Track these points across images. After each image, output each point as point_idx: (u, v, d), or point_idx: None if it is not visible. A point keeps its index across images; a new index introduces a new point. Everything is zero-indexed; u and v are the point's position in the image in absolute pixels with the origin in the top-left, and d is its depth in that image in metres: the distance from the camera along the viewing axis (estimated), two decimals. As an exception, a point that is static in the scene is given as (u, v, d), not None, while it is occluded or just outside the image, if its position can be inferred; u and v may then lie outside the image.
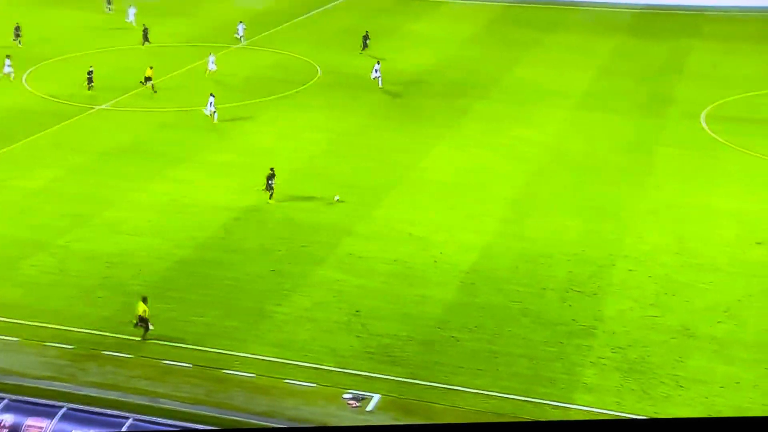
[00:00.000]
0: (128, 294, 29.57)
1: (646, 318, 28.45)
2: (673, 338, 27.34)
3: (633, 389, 24.96)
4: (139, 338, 26.95)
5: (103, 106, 47.90)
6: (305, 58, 56.68)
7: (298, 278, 30.75)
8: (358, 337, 27.43)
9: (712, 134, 44.14)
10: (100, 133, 44.27)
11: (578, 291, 30.03)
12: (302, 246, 32.94)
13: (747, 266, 31.42)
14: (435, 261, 31.89)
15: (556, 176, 39.50)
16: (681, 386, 25.04)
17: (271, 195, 36.29)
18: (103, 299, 29.38)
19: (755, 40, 61.11)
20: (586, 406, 24.25)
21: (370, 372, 25.77)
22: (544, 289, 30.20)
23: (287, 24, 65.20)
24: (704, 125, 45.47)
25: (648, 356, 26.46)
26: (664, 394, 24.74)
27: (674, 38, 62.06)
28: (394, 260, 31.91)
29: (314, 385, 25.21)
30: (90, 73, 49.77)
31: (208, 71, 51.70)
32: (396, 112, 47.64)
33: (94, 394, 24.59)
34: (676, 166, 40.60)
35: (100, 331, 27.65)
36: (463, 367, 25.90)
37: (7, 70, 51.31)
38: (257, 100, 48.42)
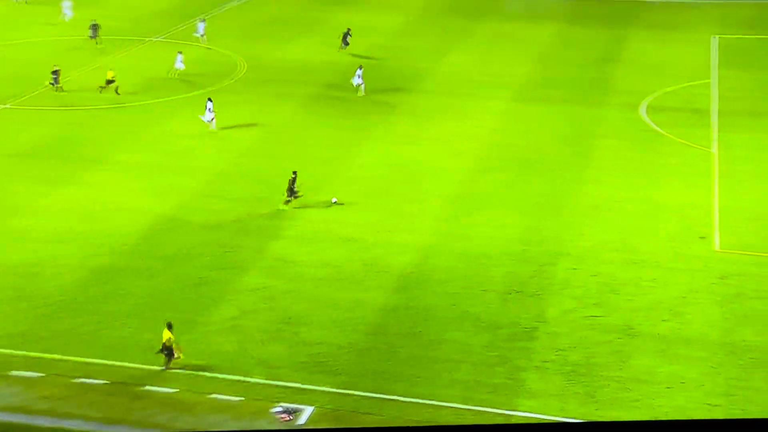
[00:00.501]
0: (37, 307, 28.63)
1: (589, 318, 28.71)
2: (617, 338, 27.62)
3: (577, 393, 25.13)
4: (161, 367, 25.81)
5: (6, 106, 46.43)
6: (228, 52, 55.92)
7: (224, 285, 30.23)
8: (290, 346, 27.06)
9: (653, 125, 44.90)
10: (3, 135, 42.88)
11: (519, 292, 30.15)
12: (228, 251, 32.40)
13: (690, 261, 31.96)
14: (369, 264, 31.68)
15: (494, 171, 39.69)
16: (626, 388, 25.30)
17: (296, 197, 35.17)
18: (10, 314, 28.38)
19: (693, 28, 62.44)
20: (530, 413, 24.32)
21: (302, 383, 25.45)
22: (484, 290, 30.25)
23: (208, 15, 64.23)
24: (644, 116, 46.23)
25: (592, 358, 26.68)
26: (609, 397, 24.96)
27: (612, 26, 62.99)
28: (326, 264, 31.62)
29: (242, 398, 24.76)
30: (55, 72, 47.75)
31: (174, 70, 50.47)
32: (326, 106, 47.28)
33: (1, 419, 23.69)
34: (617, 158, 41.14)
35: (6, 349, 26.69)
36: (400, 375, 25.75)
37: None
38: (177, 97, 47.53)
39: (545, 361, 26.56)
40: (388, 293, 29.97)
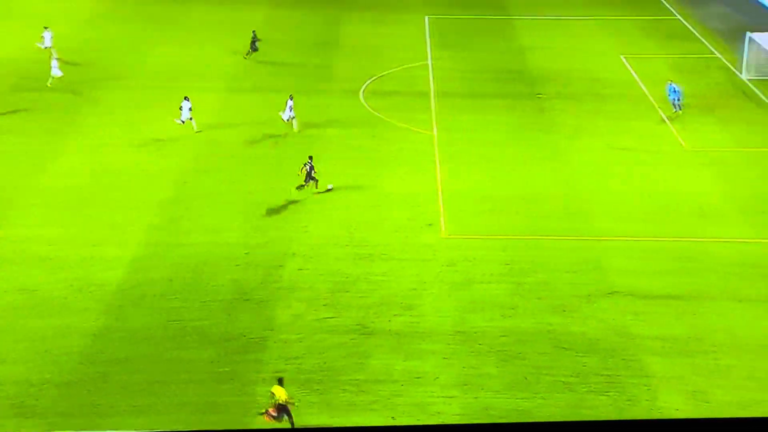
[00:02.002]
0: None
1: (320, 321, 29.14)
2: (351, 339, 28.24)
3: (313, 402, 25.41)
4: None
5: None
6: None
7: None
8: (-18, 389, 25.20)
9: (373, 111, 46.36)
10: None
11: (246, 300, 30.06)
12: None
13: (419, 251, 33.33)
14: (73, 284, 30.31)
15: (212, 171, 39.29)
16: (363, 390, 25.92)
17: (316, 185, 36.82)
18: None
19: (405, 8, 65.14)
20: (264, 429, 24.26)
21: None
22: (207, 301, 29.89)
23: None
24: (364, 102, 47.62)
25: (326, 363, 27.10)
26: (346, 402, 25.47)
27: (323, 8, 64.32)
28: (21, 288, 29.98)
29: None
30: None
31: (51, 77, 46.71)
32: (11, 108, 44.47)
33: None
34: (340, 148, 42.04)
35: None
36: (115, 407, 24.86)
37: None
38: None
39: (277, 372, 26.60)
40: (97, 315, 28.82)
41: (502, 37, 58.85)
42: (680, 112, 45.09)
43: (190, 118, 42.41)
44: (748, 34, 51.03)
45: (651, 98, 47.81)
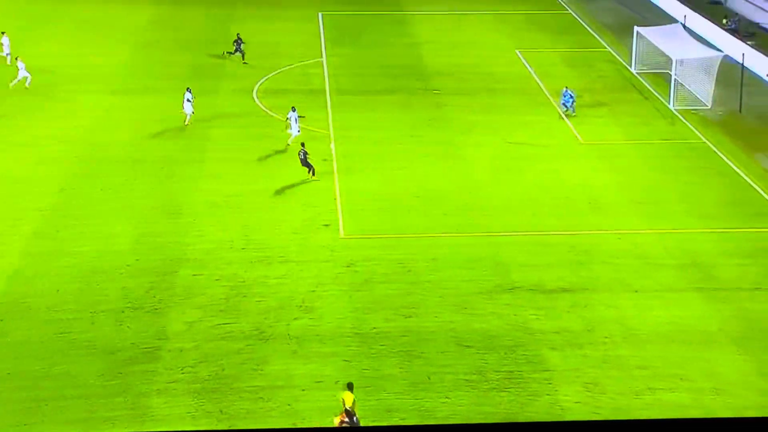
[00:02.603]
0: None
1: (216, 327, 28.61)
2: (248, 345, 27.81)
3: (209, 412, 24.92)
4: None
5: None
6: None
7: None
8: None
9: (267, 110, 45.86)
10: None
11: (136, 308, 29.34)
12: None
13: (316, 252, 33.04)
14: (-51, 299, 29.05)
15: (96, 176, 38.32)
16: (261, 398, 25.53)
17: (312, 172, 37.75)
18: None
19: (298, 4, 64.66)
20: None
21: None
22: (95, 312, 29.07)
23: None
24: (257, 101, 47.08)
25: (222, 371, 26.62)
26: (244, 410, 25.05)
27: (214, 6, 63.45)
28: None
29: None
30: None
31: (20, 81, 45.98)
32: None
33: None
34: (233, 149, 41.42)
35: None
36: (-2, 428, 23.90)
37: None
38: None
39: (171, 382, 26.06)
40: (-23, 331, 27.66)
41: (396, 33, 59.01)
42: (574, 114, 45.43)
43: (192, 110, 42.72)
44: (636, 28, 52.31)
45: (547, 93, 48.52)
